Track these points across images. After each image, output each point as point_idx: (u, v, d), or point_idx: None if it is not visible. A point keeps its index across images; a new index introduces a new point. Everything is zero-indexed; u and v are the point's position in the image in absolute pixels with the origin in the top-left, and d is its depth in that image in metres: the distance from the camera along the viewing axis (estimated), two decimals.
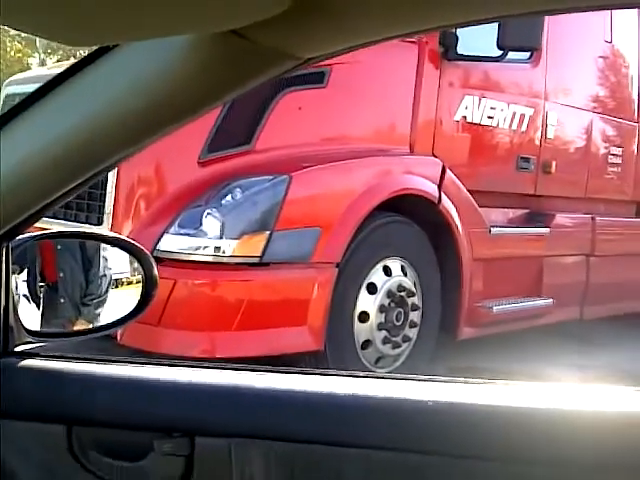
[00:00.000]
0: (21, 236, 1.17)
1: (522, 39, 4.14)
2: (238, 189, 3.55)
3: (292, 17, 0.70)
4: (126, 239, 1.40)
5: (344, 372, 1.17)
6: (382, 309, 3.95)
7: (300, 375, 1.19)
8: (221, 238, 3.48)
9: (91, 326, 1.45)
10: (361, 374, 1.17)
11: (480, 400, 1.03)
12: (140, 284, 1.38)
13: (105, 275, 1.46)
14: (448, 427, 1.02)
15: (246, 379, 1.16)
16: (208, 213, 3.51)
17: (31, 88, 3.42)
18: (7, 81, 4.88)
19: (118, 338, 3.30)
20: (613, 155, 5.59)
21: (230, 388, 1.14)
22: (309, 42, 0.86)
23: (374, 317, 3.92)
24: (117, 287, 1.47)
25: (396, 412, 1.05)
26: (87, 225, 3.66)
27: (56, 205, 1.09)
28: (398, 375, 1.20)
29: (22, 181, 1.01)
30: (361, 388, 1.09)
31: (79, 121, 0.95)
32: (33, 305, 1.35)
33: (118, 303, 1.43)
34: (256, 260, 3.51)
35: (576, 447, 0.97)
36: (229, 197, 3.54)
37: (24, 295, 1.32)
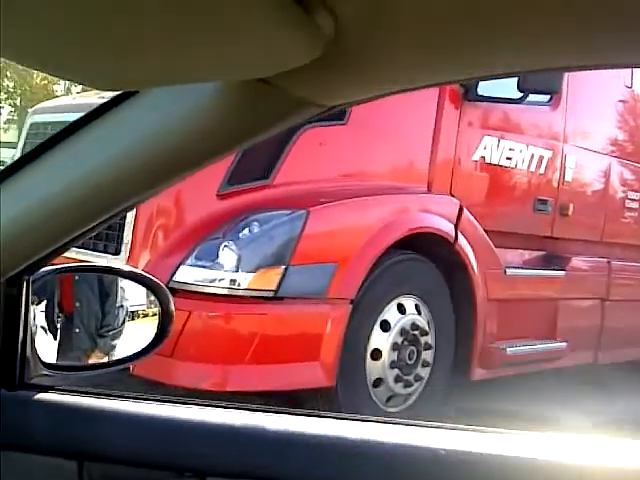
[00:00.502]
0: (41, 270, 1.19)
1: (543, 82, 4.17)
2: (256, 223, 3.57)
3: (317, 67, 0.71)
4: (144, 274, 1.41)
5: (356, 416, 1.17)
6: (395, 347, 3.94)
7: (312, 418, 1.19)
8: (237, 271, 3.49)
9: (107, 359, 1.46)
10: (372, 418, 1.17)
11: (492, 450, 1.02)
12: (156, 317, 1.39)
13: (122, 308, 1.47)
14: (459, 477, 1.01)
15: (259, 420, 1.16)
16: (225, 246, 3.53)
17: (56, 117, 3.50)
18: (32, 109, 4.94)
19: (131, 369, 3.30)
20: (630, 200, 5.59)
21: (243, 429, 1.14)
22: (333, 91, 0.87)
23: (387, 355, 3.90)
24: (134, 320, 1.48)
25: (408, 459, 1.05)
26: (105, 254, 3.69)
27: (77, 242, 1.11)
28: (411, 421, 1.19)
29: (45, 218, 1.02)
30: (373, 433, 1.09)
31: (103, 162, 0.97)
32: (50, 337, 1.36)
33: (134, 336, 1.44)
34: (271, 294, 3.51)
35: None
36: (246, 230, 3.56)
37: (41, 327, 1.33)
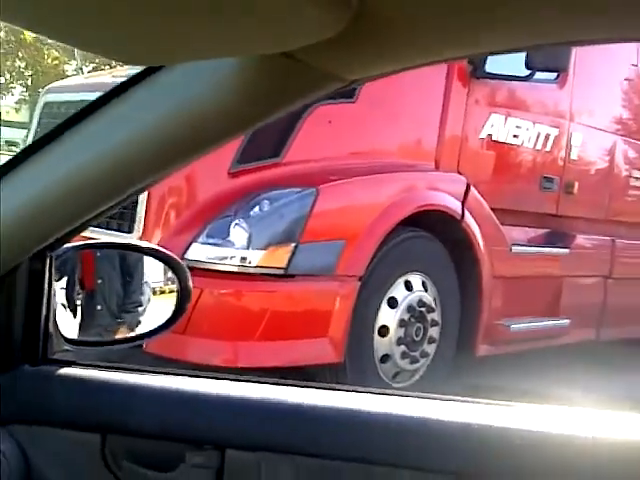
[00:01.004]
0: (63, 246, 1.21)
1: (550, 60, 4.17)
2: (266, 201, 3.59)
3: (341, 40, 0.71)
4: (163, 250, 1.42)
5: (367, 389, 1.19)
6: (402, 324, 3.97)
7: (325, 390, 1.22)
8: (247, 249, 3.52)
9: (126, 335, 1.49)
10: (382, 391, 1.19)
11: (493, 421, 1.05)
12: (173, 294, 1.42)
13: (142, 284, 1.49)
14: (468, 447, 1.04)
15: (278, 393, 1.18)
16: (236, 224, 3.55)
17: (69, 97, 3.53)
18: (45, 89, 4.92)
19: (144, 345, 3.33)
20: (635, 178, 5.59)
21: (262, 402, 1.16)
22: (356, 64, 0.87)
23: (394, 331, 3.94)
24: (154, 296, 1.50)
25: (416, 430, 1.07)
26: (118, 232, 3.71)
27: (97, 220, 1.13)
28: (419, 393, 1.21)
29: (66, 197, 1.03)
30: (383, 405, 1.11)
31: (123, 141, 0.97)
32: (71, 313, 1.39)
33: (153, 312, 1.47)
34: (281, 271, 3.54)
35: (586, 471, 1.00)
36: (257, 208, 3.58)
37: (63, 304, 1.36)
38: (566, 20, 0.74)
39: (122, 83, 0.97)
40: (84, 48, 0.82)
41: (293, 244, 3.54)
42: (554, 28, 0.78)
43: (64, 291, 1.36)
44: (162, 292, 1.50)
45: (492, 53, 0.90)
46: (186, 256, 3.49)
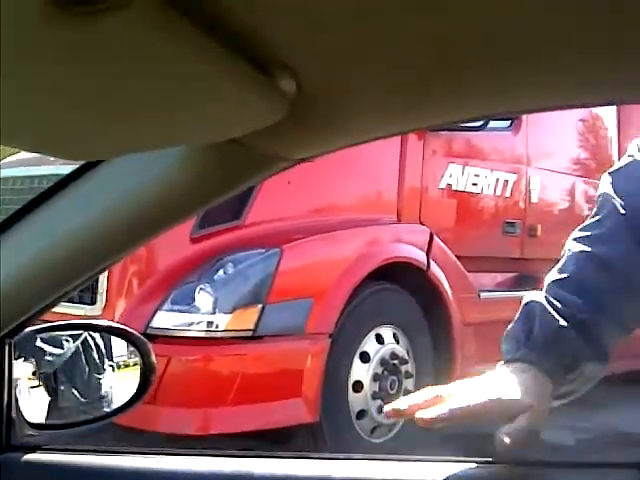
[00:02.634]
0: (24, 331, 1.20)
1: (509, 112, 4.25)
2: (230, 264, 3.58)
3: (284, 124, 0.73)
4: (123, 327, 1.42)
5: (342, 455, 1.18)
6: (376, 378, 3.95)
7: (298, 460, 1.20)
8: (214, 313, 3.50)
9: (93, 415, 1.46)
10: (360, 456, 1.18)
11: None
12: (137, 366, 1.41)
13: (104, 361, 1.48)
14: None
15: (248, 466, 1.17)
16: (201, 289, 3.53)
17: (23, 171, 3.49)
18: None
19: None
20: None
21: (233, 476, 1.15)
22: (301, 145, 0.90)
23: (368, 386, 3.91)
24: (118, 370, 1.49)
25: None
26: (80, 305, 3.67)
27: (57, 303, 1.13)
28: (395, 456, 1.20)
29: (25, 284, 1.04)
30: (359, 471, 1.11)
31: (75, 228, 0.99)
32: (35, 396, 1.36)
33: (118, 388, 1.45)
34: (250, 333, 3.52)
35: None
36: (221, 272, 3.57)
37: (28, 387, 1.34)
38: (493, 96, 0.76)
39: (74, 170, 0.98)
40: (31, 149, 0.83)
41: (260, 305, 3.53)
42: (479, 105, 0.81)
43: (29, 374, 1.34)
44: (127, 366, 1.48)
45: (440, 125, 0.93)
46: (152, 324, 3.46)
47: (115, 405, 1.43)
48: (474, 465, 1.09)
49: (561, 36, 0.62)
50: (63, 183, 1.00)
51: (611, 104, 1.11)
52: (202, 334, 3.50)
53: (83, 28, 0.46)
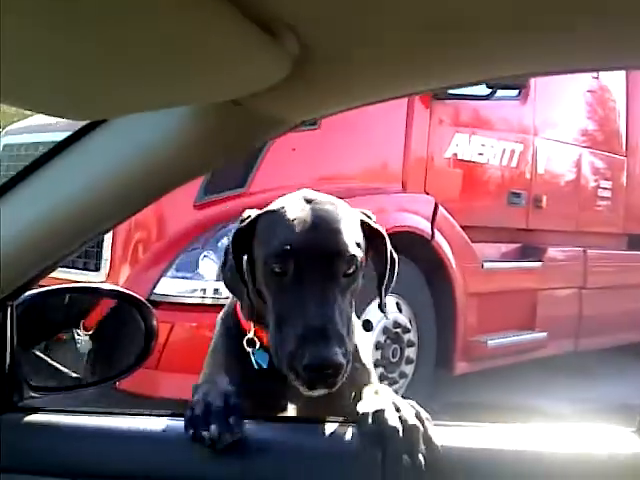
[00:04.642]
0: (25, 294, 1.20)
1: (510, 77, 4.21)
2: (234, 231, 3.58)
3: (286, 85, 0.73)
4: (126, 291, 1.42)
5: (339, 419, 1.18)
6: (378, 346, 3.97)
7: (289, 423, 1.21)
8: (218, 280, 3.51)
9: (94, 377, 1.47)
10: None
11: (479, 444, 1.05)
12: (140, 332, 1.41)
13: (107, 326, 1.48)
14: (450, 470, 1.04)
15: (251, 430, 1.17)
16: (205, 256, 3.54)
17: (27, 138, 3.48)
18: (4, 131, 4.89)
19: (116, 383, 3.30)
20: (603, 188, 5.66)
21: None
22: (302, 107, 0.90)
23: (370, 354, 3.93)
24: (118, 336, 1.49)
25: None
26: (85, 271, 3.68)
27: (58, 266, 1.13)
28: None
29: (26, 245, 1.04)
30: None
31: (80, 188, 0.98)
32: (39, 359, 1.38)
33: (120, 352, 1.46)
34: None
35: None
36: (225, 239, 3.57)
37: (30, 350, 1.35)
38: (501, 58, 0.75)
39: (75, 132, 0.98)
40: (34, 109, 0.83)
41: None
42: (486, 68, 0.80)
43: (31, 338, 1.35)
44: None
45: (440, 88, 0.92)
46: (155, 291, 3.47)
47: (116, 369, 1.44)
48: (471, 428, 1.10)
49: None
50: (63, 145, 1.00)
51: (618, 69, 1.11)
52: (206, 301, 3.51)
53: None
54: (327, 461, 1.08)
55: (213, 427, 1.11)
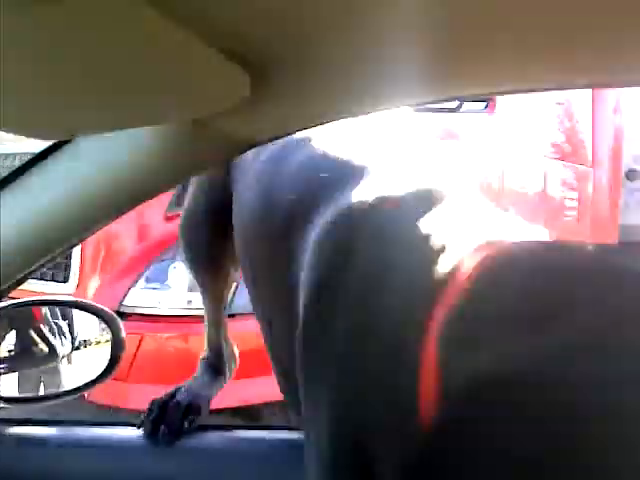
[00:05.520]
0: None
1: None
2: None
3: (250, 104, 0.74)
4: (93, 303, 1.43)
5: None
6: None
7: (258, 430, 1.23)
8: (188, 291, 3.51)
9: (62, 389, 1.48)
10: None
11: None
12: (108, 343, 1.42)
13: (75, 337, 1.49)
14: None
15: (213, 438, 1.19)
16: (174, 267, 3.54)
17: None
18: None
19: (86, 395, 3.28)
20: (570, 199, 5.74)
21: (207, 448, 1.17)
22: (265, 126, 0.91)
23: None
24: (86, 348, 1.50)
25: None
26: (53, 282, 3.66)
27: (26, 280, 1.14)
28: None
29: None
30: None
31: (44, 205, 1.00)
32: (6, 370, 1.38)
33: (88, 364, 1.46)
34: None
35: None
36: None
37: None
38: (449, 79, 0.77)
39: (42, 151, 0.99)
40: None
41: (234, 283, 3.53)
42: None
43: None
44: (98, 343, 1.50)
45: (401, 105, 0.93)
46: (125, 302, 3.46)
47: (84, 380, 1.45)
48: None
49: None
50: (33, 162, 1.01)
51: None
52: (176, 312, 3.51)
53: (42, 11, 0.47)
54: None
55: (162, 427, 1.14)
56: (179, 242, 3.55)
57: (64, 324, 1.46)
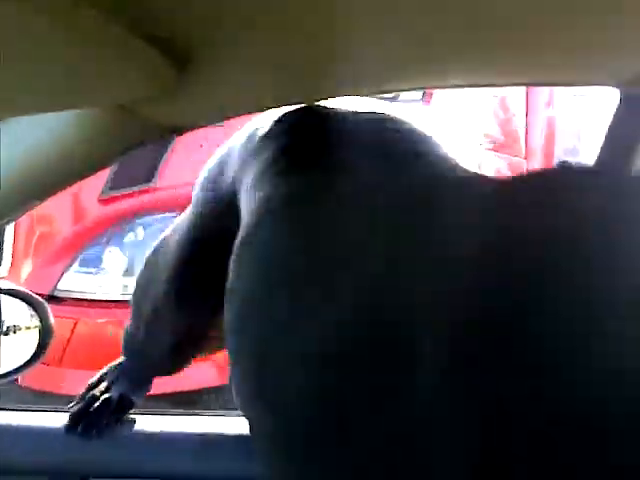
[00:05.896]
0: None
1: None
2: (140, 227, 3.57)
3: (171, 93, 0.75)
4: (22, 289, 1.43)
5: (233, 412, 1.23)
6: None
7: (194, 417, 1.25)
8: (124, 276, 3.49)
9: None
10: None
11: None
12: (37, 329, 1.42)
13: (2, 322, 1.48)
14: None
15: (141, 422, 1.21)
16: (110, 251, 3.52)
17: None
18: None
19: (19, 380, 3.25)
20: None
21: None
22: (188, 114, 0.92)
23: None
24: (15, 333, 1.49)
25: None
26: None
27: None
28: None
29: None
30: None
31: None
32: None
33: (15, 350, 1.46)
34: None
35: None
36: (131, 235, 3.55)
37: None
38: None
39: None
40: None
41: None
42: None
43: None
44: (28, 328, 1.49)
45: (326, 98, 0.95)
46: (59, 287, 3.42)
47: (11, 366, 1.44)
48: None
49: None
50: None
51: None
52: (111, 296, 3.48)
53: None
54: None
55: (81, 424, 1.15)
56: (123, 226, 3.53)
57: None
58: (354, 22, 0.66)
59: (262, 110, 0.94)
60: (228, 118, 0.96)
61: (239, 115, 0.94)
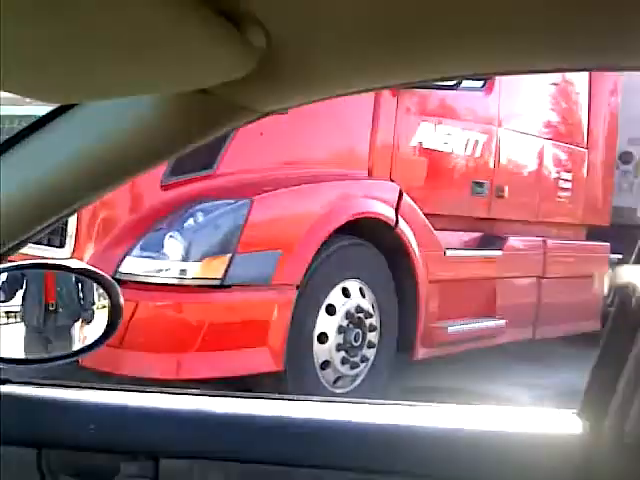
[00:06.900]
0: None
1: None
2: (200, 212, 3.60)
3: (254, 76, 0.75)
4: (93, 269, 1.45)
5: (301, 397, 1.24)
6: (341, 330, 4.02)
7: (259, 400, 1.26)
8: (183, 261, 3.53)
9: (59, 352, 1.50)
10: (316, 399, 1.24)
11: (436, 423, 1.11)
12: (105, 308, 1.44)
13: (73, 301, 1.51)
14: (399, 448, 1.10)
15: (208, 403, 1.22)
16: (170, 236, 3.56)
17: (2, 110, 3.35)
18: None
19: (80, 361, 3.31)
20: (564, 180, 5.77)
21: (193, 412, 1.20)
22: (269, 97, 0.92)
23: (333, 338, 3.99)
24: (85, 313, 1.52)
25: (347, 434, 1.13)
26: (49, 247, 3.67)
27: (27, 243, 1.15)
28: (351, 400, 1.26)
29: None
30: (316, 412, 1.16)
31: (46, 170, 0.99)
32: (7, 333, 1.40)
33: (85, 329, 1.48)
34: (218, 282, 3.55)
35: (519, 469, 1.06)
36: (191, 220, 3.59)
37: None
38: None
39: (47, 114, 0.99)
40: (7, 90, 0.84)
41: (229, 255, 3.56)
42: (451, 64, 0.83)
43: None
44: (96, 309, 1.52)
45: (403, 85, 0.94)
46: (120, 270, 3.48)
47: (82, 345, 1.46)
48: (429, 408, 1.15)
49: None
50: (37, 125, 1.01)
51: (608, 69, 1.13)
52: (171, 281, 3.53)
53: None
54: None
55: None
56: (183, 211, 3.55)
57: (73, 288, 1.47)
58: None
59: (347, 94, 0.93)
60: (314, 101, 0.95)
61: (324, 98, 0.93)
